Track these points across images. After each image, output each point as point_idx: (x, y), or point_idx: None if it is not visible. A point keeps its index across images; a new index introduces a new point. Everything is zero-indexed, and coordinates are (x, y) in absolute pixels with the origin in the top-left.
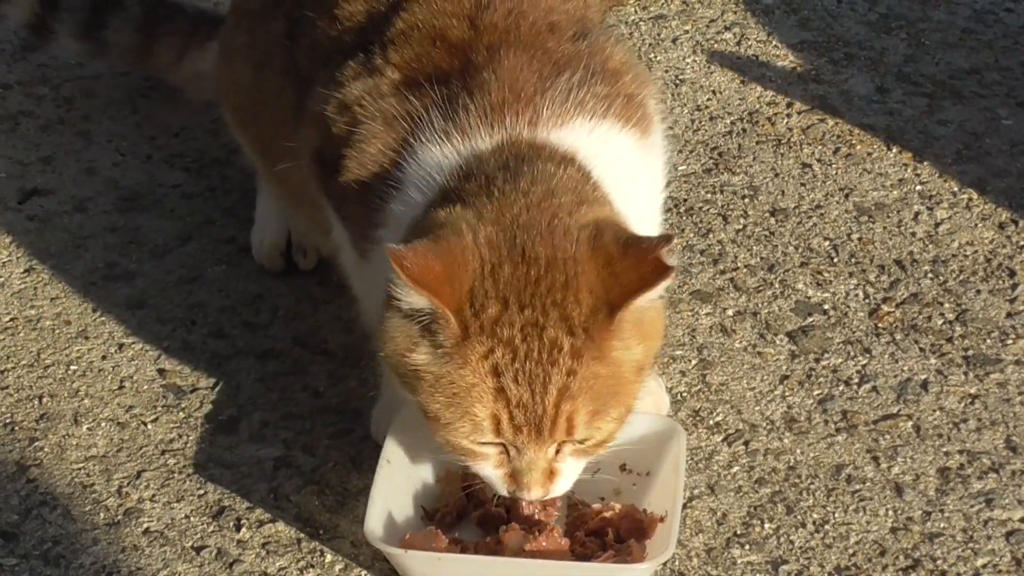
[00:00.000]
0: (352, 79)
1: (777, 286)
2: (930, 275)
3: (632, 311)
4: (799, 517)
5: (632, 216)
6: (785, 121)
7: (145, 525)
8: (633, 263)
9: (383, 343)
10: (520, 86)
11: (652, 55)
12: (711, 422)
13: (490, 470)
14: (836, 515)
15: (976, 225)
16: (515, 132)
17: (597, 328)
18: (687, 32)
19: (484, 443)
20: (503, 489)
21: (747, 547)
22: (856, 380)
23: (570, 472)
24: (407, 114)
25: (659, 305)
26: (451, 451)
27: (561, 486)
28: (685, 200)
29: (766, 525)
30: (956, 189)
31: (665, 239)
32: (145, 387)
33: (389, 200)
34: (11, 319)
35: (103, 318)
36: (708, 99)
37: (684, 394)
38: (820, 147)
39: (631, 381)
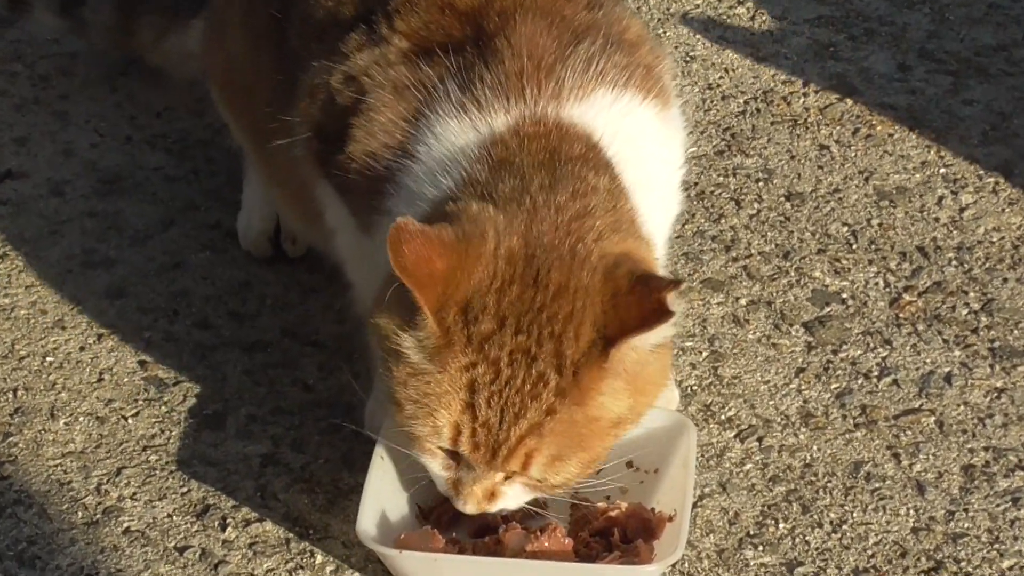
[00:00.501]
0: (356, 50)
1: (793, 274)
2: (954, 263)
3: (631, 355)
4: (815, 517)
5: (651, 212)
6: (801, 100)
7: (125, 524)
8: (636, 299)
9: (382, 310)
10: (540, 54)
11: (661, 30)
12: (723, 417)
13: (436, 468)
14: (854, 515)
15: (1003, 210)
16: (538, 106)
17: (589, 367)
18: (698, 6)
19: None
20: (442, 488)
21: (760, 548)
22: (876, 373)
23: (513, 497)
24: (420, 84)
25: (664, 359)
26: (406, 438)
27: (498, 507)
28: (696, 183)
29: (780, 525)
30: (982, 172)
31: (673, 282)
32: (125, 380)
33: (401, 173)
34: None
35: (81, 307)
36: (720, 77)
37: (695, 388)
38: (838, 128)
39: (605, 434)
